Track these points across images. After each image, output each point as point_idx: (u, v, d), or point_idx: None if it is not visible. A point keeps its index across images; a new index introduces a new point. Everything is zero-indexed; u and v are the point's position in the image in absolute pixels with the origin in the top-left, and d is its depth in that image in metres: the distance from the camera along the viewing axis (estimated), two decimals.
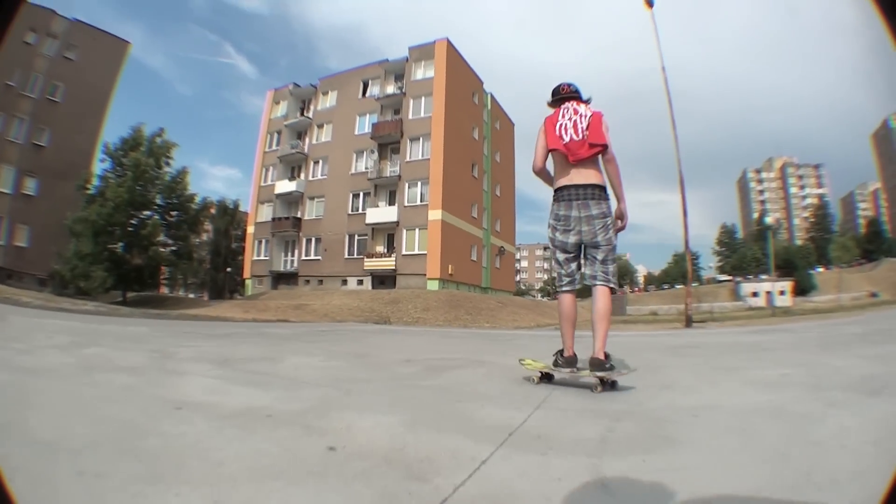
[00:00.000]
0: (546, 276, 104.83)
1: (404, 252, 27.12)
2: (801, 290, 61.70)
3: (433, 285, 25.61)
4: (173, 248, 26.90)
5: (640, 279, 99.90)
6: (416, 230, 27.05)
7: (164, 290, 31.40)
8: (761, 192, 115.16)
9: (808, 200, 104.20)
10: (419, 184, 27.53)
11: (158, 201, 26.21)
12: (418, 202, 27.45)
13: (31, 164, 28.87)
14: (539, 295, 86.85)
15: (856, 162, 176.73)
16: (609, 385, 2.68)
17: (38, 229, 28.47)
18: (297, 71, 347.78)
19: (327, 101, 32.99)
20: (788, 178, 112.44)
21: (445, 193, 26.87)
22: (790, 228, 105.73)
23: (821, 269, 74.78)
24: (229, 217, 42.13)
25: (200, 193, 28.70)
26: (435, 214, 26.64)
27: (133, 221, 25.01)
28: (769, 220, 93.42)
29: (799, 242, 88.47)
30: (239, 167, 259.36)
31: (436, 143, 27.28)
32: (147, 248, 25.16)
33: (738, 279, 66.70)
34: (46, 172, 28.96)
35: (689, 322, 13.55)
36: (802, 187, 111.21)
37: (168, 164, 26.58)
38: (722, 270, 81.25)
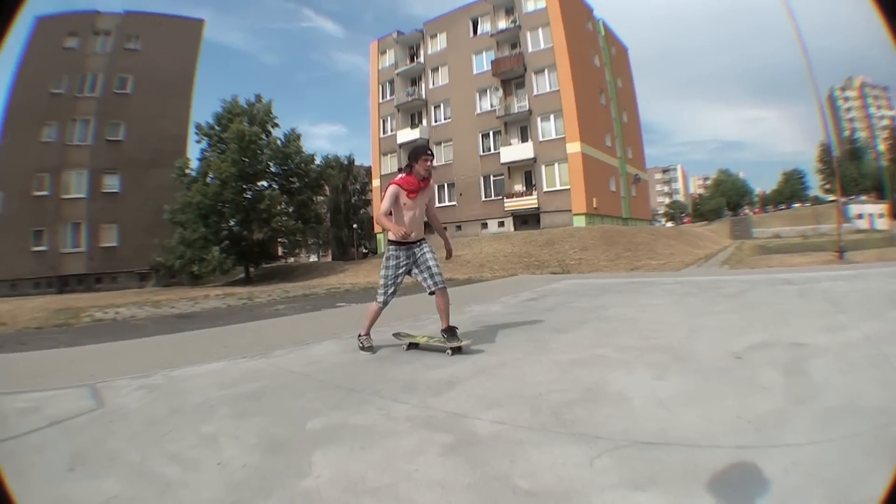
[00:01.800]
0: (668, 200, 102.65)
1: (545, 189, 26.69)
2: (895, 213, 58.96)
3: (580, 221, 25.26)
4: (296, 215, 26.08)
5: (756, 199, 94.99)
6: (556, 165, 26.50)
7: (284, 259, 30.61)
8: (848, 110, 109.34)
9: (884, 122, 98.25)
10: (552, 117, 26.92)
11: (273, 169, 25.50)
12: (554, 136, 26.78)
13: (109, 161, 28.80)
14: (664, 220, 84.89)
15: None
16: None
17: (127, 225, 28.36)
18: (384, 23, 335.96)
19: (437, 44, 32.27)
20: (867, 97, 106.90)
21: (582, 124, 26.18)
22: (875, 149, 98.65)
23: None
24: (345, 172, 42.30)
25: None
26: (574, 147, 26.00)
27: (247, 195, 24.21)
28: (861, 138, 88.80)
29: (885, 164, 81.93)
30: (343, 122, 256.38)
31: (563, 74, 26.40)
32: (269, 221, 24.36)
33: (842, 199, 62.50)
34: (130, 166, 28.90)
35: (842, 253, 12.82)
36: (879, 107, 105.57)
37: (276, 127, 25.92)
38: (827, 191, 78.61)
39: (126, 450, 2.05)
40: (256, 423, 2.31)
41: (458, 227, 29.16)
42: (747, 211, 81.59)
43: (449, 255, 4.29)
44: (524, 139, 27.82)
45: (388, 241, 3.81)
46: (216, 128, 25.10)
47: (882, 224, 50.66)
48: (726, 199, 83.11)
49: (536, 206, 26.68)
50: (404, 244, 3.77)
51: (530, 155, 26.97)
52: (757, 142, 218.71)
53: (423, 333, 4.17)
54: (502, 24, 29.18)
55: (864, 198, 64.36)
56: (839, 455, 1.80)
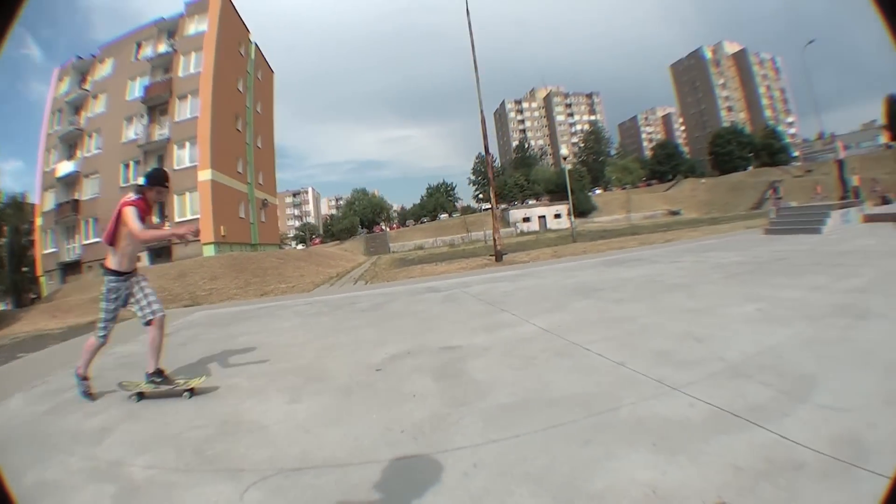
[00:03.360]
0: (297, 223, 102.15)
1: (177, 219, 25.20)
2: (580, 212, 61.97)
3: (209, 250, 24.79)
4: None
5: (394, 215, 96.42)
6: (187, 193, 25.66)
7: None
8: (521, 121, 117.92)
9: (578, 127, 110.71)
10: (187, 144, 26.66)
11: None
12: (188, 163, 26.39)
13: None
14: (294, 243, 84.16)
15: (649, 91, 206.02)
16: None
17: None
18: (76, 47, 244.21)
19: (104, 69, 29.90)
20: (554, 106, 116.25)
21: (214, 151, 26.38)
22: (555, 154, 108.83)
23: (599, 191, 77.52)
24: (18, 211, 35.32)
25: None
26: (205, 174, 25.92)
27: None
28: (535, 146, 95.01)
29: (568, 167, 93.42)
30: (22, 157, 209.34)
31: (204, 100, 26.50)
32: None
33: (504, 206, 65.14)
34: None
35: (499, 257, 12.98)
36: (571, 115, 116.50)
37: None
38: (479, 200, 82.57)
39: None
40: None
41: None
42: (384, 227, 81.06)
43: (194, 234, 3.66)
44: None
45: (108, 271, 3.53)
46: None
47: (559, 223, 54.01)
48: (360, 217, 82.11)
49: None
50: (123, 274, 3.55)
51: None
52: (399, 159, 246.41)
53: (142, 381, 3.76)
54: (163, 47, 28.22)
55: (532, 202, 66.98)
56: (541, 448, 1.86)
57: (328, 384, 3.12)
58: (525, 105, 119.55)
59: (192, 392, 3.39)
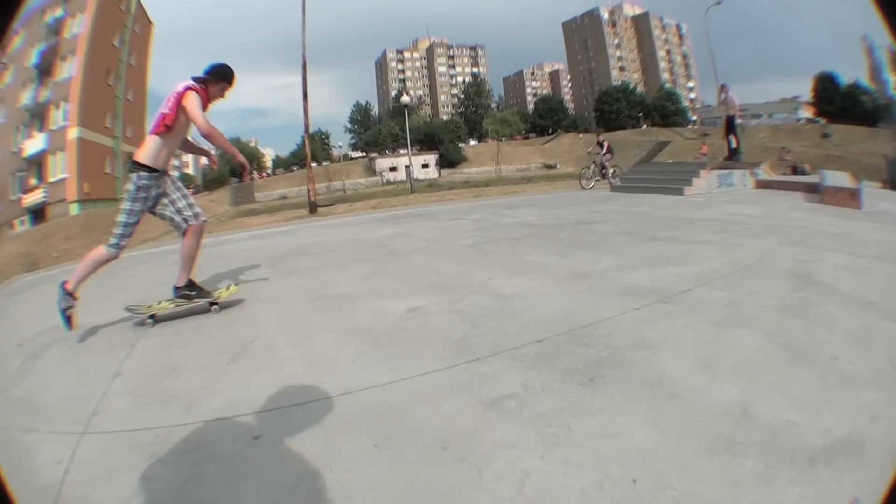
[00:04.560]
0: (177, 174, 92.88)
1: (51, 179, 26.60)
2: (449, 162, 62.52)
3: (74, 209, 25.98)
4: None
5: (269, 163, 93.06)
6: (59, 153, 26.78)
7: None
8: (402, 71, 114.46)
9: (460, 79, 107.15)
10: (62, 104, 27.38)
11: None
12: (62, 123, 27.11)
13: None
14: None
15: (540, 47, 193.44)
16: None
17: None
18: None
19: (17, 41, 28.22)
20: (437, 57, 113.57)
21: (83, 108, 27.24)
22: (434, 105, 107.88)
23: (474, 143, 76.73)
24: None
25: None
26: (73, 133, 26.83)
27: None
28: (406, 97, 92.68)
29: (446, 118, 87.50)
30: None
31: (79, 59, 27.42)
32: None
33: (374, 155, 64.61)
34: None
35: (313, 208, 13.13)
36: (453, 66, 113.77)
37: None
38: (356, 148, 79.43)
39: None
40: None
41: None
42: (254, 175, 78.17)
43: (248, 173, 3.76)
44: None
45: (139, 166, 2.94)
46: None
47: (427, 174, 53.94)
48: (230, 168, 76.41)
49: (42, 199, 26.41)
50: (157, 172, 3.02)
51: (44, 146, 26.81)
52: (282, 108, 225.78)
53: (162, 299, 3.31)
54: (59, 12, 28.31)
55: (402, 151, 63.72)
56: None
57: None
58: (407, 55, 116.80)
59: (215, 305, 3.21)
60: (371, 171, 56.92)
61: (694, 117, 79.73)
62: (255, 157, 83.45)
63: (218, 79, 3.13)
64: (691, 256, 3.96)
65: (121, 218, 2.95)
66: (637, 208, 7.65)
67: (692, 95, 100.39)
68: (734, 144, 11.66)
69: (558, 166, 55.47)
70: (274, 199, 46.57)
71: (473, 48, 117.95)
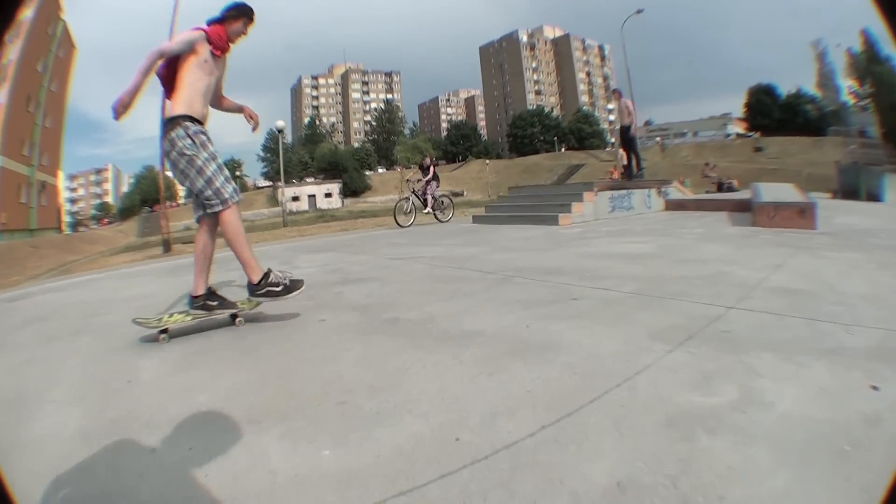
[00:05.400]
0: (99, 202, 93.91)
1: None
2: (353, 191, 60.83)
3: None
4: None
5: (182, 192, 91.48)
6: None
7: None
8: (316, 97, 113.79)
9: (373, 105, 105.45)
10: None
11: None
12: None
13: None
14: (93, 223, 77.49)
15: (459, 74, 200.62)
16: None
17: None
18: None
19: None
20: (352, 83, 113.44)
21: (5, 137, 26.22)
22: (347, 132, 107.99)
23: (382, 170, 76.57)
24: None
25: None
26: None
27: None
28: (280, 122, 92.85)
29: (357, 145, 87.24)
30: None
31: (8, 86, 26.33)
32: None
33: (279, 184, 59.64)
34: None
35: (167, 246, 11.75)
36: (367, 92, 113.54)
37: None
38: (267, 177, 79.53)
39: None
40: None
41: None
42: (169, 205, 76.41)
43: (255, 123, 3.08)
44: None
45: (178, 118, 2.55)
46: None
47: (330, 203, 54.31)
48: (141, 197, 75.00)
49: None
50: (199, 122, 2.63)
51: None
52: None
53: (174, 311, 2.87)
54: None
55: (310, 180, 64.99)
56: None
57: None
58: (322, 81, 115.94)
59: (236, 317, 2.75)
60: (275, 200, 55.30)
61: (612, 139, 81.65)
62: (169, 187, 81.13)
63: (238, 15, 2.74)
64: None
65: (209, 170, 2.53)
66: (434, 250, 5.69)
67: (612, 117, 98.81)
68: (626, 161, 10.15)
69: (465, 193, 54.88)
70: (179, 229, 45.84)
71: (389, 74, 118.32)
